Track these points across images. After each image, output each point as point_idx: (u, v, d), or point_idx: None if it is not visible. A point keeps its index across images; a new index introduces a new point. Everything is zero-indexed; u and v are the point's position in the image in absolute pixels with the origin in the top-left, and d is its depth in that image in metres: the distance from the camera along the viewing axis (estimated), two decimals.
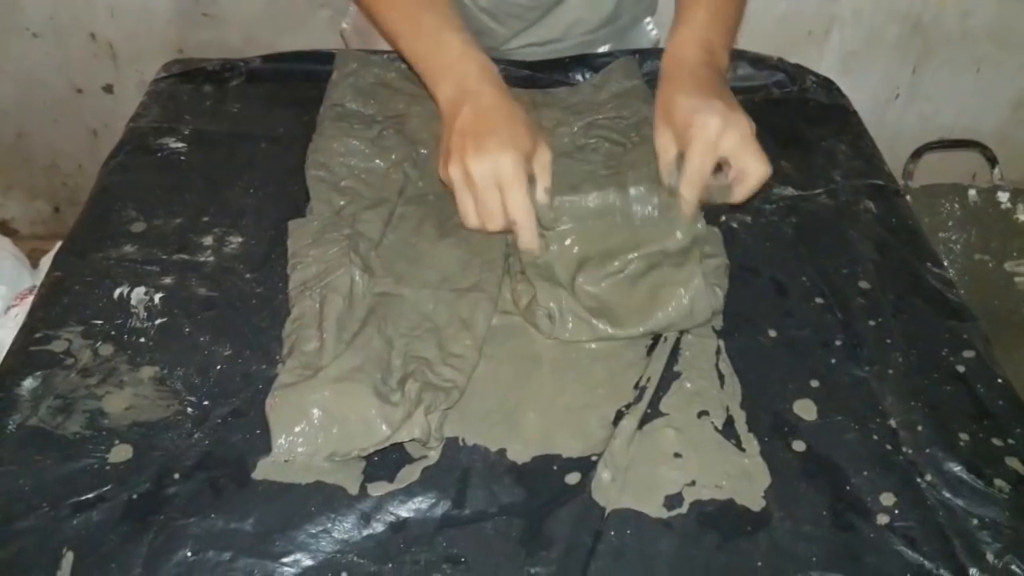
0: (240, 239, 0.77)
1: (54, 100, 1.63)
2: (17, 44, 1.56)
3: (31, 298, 1.16)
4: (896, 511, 0.59)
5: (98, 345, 0.66)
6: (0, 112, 1.64)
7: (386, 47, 0.90)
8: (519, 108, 0.74)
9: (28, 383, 0.63)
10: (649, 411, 0.64)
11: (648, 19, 1.09)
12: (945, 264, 0.84)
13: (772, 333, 0.71)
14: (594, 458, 0.61)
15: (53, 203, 1.80)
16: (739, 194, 0.73)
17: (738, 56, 0.99)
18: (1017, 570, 0.55)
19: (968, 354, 0.70)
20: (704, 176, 0.71)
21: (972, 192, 1.15)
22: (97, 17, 1.53)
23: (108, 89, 1.63)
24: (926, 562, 0.56)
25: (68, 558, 0.54)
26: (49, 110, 1.65)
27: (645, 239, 0.73)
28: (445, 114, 0.75)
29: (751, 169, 0.71)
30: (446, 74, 0.76)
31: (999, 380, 0.68)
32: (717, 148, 0.71)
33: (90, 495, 0.57)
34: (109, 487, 0.58)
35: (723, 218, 0.81)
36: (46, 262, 1.16)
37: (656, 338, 0.70)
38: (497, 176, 0.69)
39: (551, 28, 1.00)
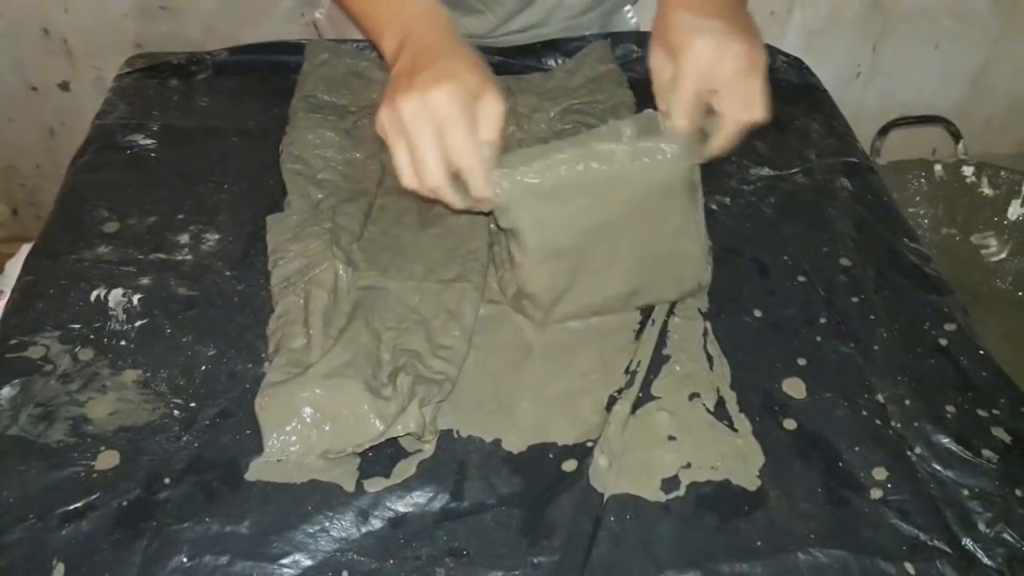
0: (217, 236, 0.75)
1: (8, 99, 1.59)
2: None
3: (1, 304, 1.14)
4: (888, 485, 0.59)
5: (77, 350, 0.65)
6: None
7: (360, 36, 0.89)
8: (466, 47, 0.65)
9: (6, 392, 0.62)
10: (641, 395, 0.64)
11: (628, 7, 1.08)
12: None
13: (757, 313, 0.71)
14: (589, 444, 0.61)
15: (11, 205, 1.76)
16: (715, 142, 0.65)
17: None
18: (1009, 538, 0.56)
19: (949, 327, 0.71)
20: (692, 107, 0.63)
21: (938, 167, 1.17)
22: (49, 12, 1.49)
23: (64, 86, 1.59)
24: (920, 534, 0.57)
25: (59, 570, 0.52)
26: (3, 109, 1.60)
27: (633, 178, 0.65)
28: (389, 67, 0.67)
29: (730, 110, 0.63)
30: (390, 24, 0.68)
31: (981, 352, 0.69)
32: (710, 79, 0.62)
33: (78, 504, 0.56)
34: (98, 495, 0.56)
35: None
36: (13, 266, 1.12)
37: (644, 322, 0.70)
38: (432, 113, 0.59)
39: (534, 12, 0.98)
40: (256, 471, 0.58)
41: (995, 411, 0.64)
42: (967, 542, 0.56)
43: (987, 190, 1.18)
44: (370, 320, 0.66)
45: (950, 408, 0.64)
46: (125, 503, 0.56)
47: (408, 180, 0.62)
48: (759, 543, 0.56)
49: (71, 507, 0.55)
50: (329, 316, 0.66)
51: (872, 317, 0.71)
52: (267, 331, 0.67)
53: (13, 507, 0.55)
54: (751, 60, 0.62)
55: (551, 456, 0.60)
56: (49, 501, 0.56)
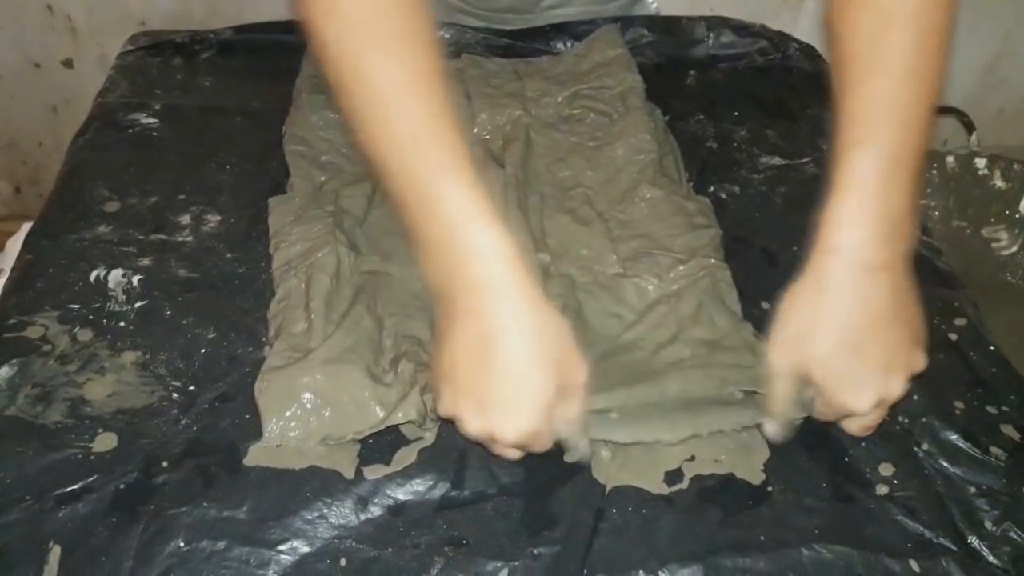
0: (219, 217, 0.74)
1: (11, 75, 1.58)
2: None
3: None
4: (895, 481, 0.59)
5: (76, 330, 0.64)
6: None
7: None
8: (551, 322, 0.53)
9: (4, 372, 0.61)
10: None
11: None
12: None
13: (765, 305, 0.70)
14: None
15: (13, 183, 1.75)
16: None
17: (720, 23, 0.98)
18: (1015, 536, 0.56)
19: (960, 322, 0.70)
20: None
21: (950, 159, 1.15)
22: None
23: (68, 64, 1.57)
24: (926, 531, 0.56)
25: (55, 552, 0.52)
26: (6, 86, 1.59)
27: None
28: (436, 308, 0.55)
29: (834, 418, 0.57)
30: (438, 241, 0.53)
31: (991, 347, 0.68)
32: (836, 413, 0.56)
33: (75, 486, 0.55)
34: (95, 477, 0.56)
35: (712, 188, 0.80)
36: (13, 244, 1.12)
37: None
38: (510, 444, 0.53)
39: None
40: (255, 456, 0.57)
41: (1004, 408, 0.63)
42: (973, 540, 0.56)
43: (999, 183, 1.16)
44: (372, 305, 0.65)
45: (959, 404, 0.64)
46: (122, 486, 0.55)
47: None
48: (762, 537, 0.55)
49: (68, 489, 0.55)
50: (331, 301, 0.65)
51: None
52: (268, 315, 0.66)
53: (10, 488, 0.55)
54: (897, 391, 0.54)
55: (553, 447, 0.60)
56: (46, 483, 0.55)
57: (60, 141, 1.66)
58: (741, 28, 0.98)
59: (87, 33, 1.53)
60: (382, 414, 0.58)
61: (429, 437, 0.59)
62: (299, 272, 0.67)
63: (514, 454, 0.55)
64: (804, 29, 1.54)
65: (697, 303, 0.68)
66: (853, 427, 0.58)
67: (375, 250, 0.71)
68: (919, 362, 0.55)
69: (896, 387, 0.54)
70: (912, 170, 0.54)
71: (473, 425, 0.52)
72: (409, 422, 0.58)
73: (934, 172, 1.14)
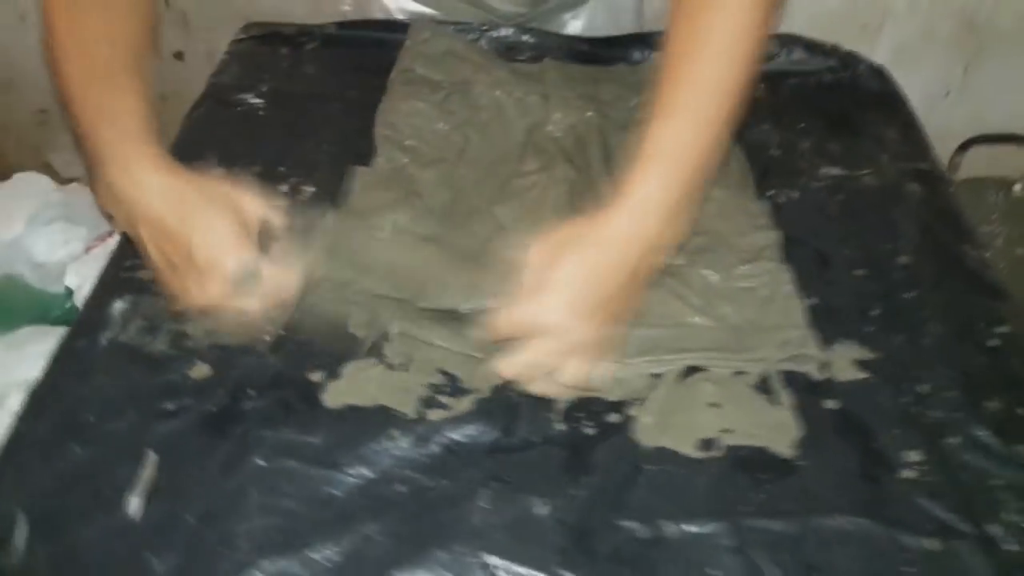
0: (313, 188, 0.82)
1: None
2: None
3: (110, 240, 1.25)
4: (921, 468, 0.62)
5: None
6: None
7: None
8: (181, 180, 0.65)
9: (118, 305, 0.69)
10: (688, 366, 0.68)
11: None
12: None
13: (813, 300, 0.74)
14: (635, 403, 0.65)
15: None
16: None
17: (793, 41, 1.02)
18: None
19: (1002, 329, 0.72)
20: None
21: (1017, 187, 1.16)
22: None
23: (179, 56, 1.69)
24: (948, 515, 0.59)
25: (152, 457, 0.59)
26: None
27: None
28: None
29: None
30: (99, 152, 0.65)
31: None
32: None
33: (172, 406, 0.63)
34: (190, 400, 0.63)
35: (771, 192, 0.84)
36: None
37: None
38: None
39: None
40: (332, 394, 0.64)
41: None
42: (992, 528, 0.58)
43: None
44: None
45: (993, 404, 0.66)
46: (214, 409, 0.62)
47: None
48: (788, 504, 0.59)
49: (166, 407, 0.63)
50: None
51: (925, 312, 0.73)
52: None
53: (117, 401, 0.63)
54: (573, 342, 0.61)
55: (597, 409, 0.65)
56: (148, 400, 0.63)
57: (168, 127, 1.77)
58: (812, 46, 1.02)
59: (198, 28, 1.64)
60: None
61: (485, 390, 0.65)
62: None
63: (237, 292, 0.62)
64: (881, 56, 1.56)
65: (760, 300, 0.72)
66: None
67: (441, 223, 0.77)
68: (608, 333, 0.62)
69: (576, 331, 0.60)
70: (690, 171, 0.62)
71: (179, 290, 0.63)
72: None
73: (1000, 198, 1.16)
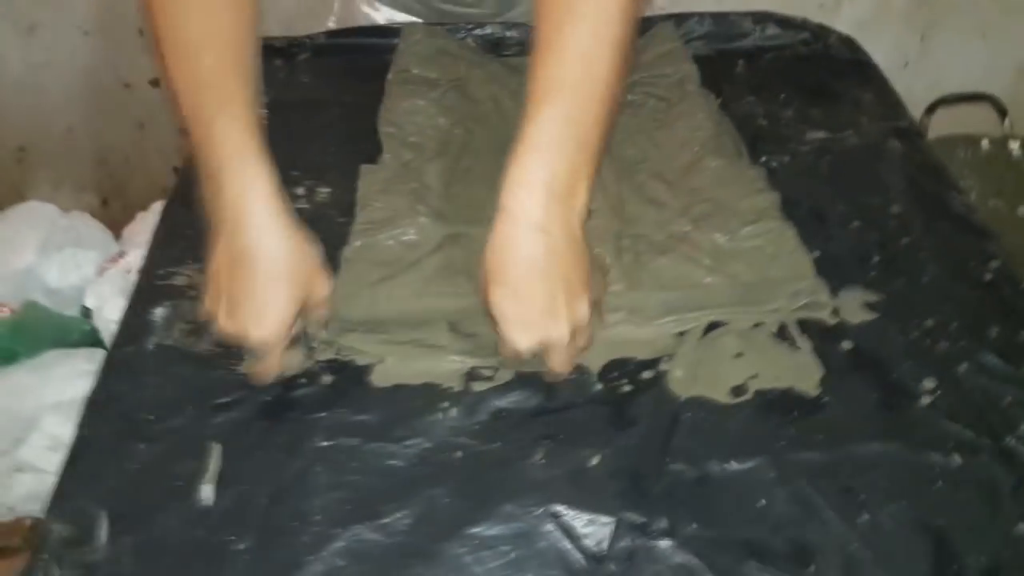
0: (329, 189, 0.85)
1: (103, 95, 1.71)
2: (68, 41, 1.64)
3: (121, 261, 1.26)
4: (938, 392, 0.66)
5: None
6: (51, 106, 1.72)
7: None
8: (296, 244, 0.65)
9: (160, 311, 0.72)
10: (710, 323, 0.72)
11: None
12: None
13: (816, 253, 0.78)
14: (664, 360, 0.69)
15: (100, 195, 1.88)
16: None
17: (766, 17, 1.07)
18: None
19: (993, 264, 0.77)
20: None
21: (984, 142, 1.22)
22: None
23: (155, 83, 1.71)
24: (967, 432, 0.63)
25: (216, 447, 0.62)
26: (99, 104, 1.72)
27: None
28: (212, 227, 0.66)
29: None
30: (211, 169, 0.65)
31: (1022, 285, 0.75)
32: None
33: (227, 399, 0.65)
34: (244, 392, 0.66)
35: (764, 159, 0.89)
36: (129, 231, 1.24)
37: None
38: (254, 343, 0.64)
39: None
40: (380, 375, 0.67)
41: None
42: (1009, 440, 0.63)
43: None
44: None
45: (994, 330, 0.71)
46: (269, 398, 0.65)
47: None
48: (819, 437, 0.63)
49: (221, 401, 0.65)
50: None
51: (921, 255, 0.78)
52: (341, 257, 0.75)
53: (173, 400, 0.65)
54: (552, 338, 0.62)
55: (631, 368, 0.68)
56: (204, 396, 0.65)
57: (145, 156, 1.79)
58: (785, 21, 1.07)
59: None
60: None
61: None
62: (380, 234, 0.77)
63: (262, 358, 0.64)
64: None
65: (768, 257, 0.76)
66: (552, 362, 0.64)
67: (457, 217, 0.80)
68: (581, 312, 0.62)
69: (559, 330, 0.61)
70: (583, 143, 0.62)
71: (225, 324, 0.63)
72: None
73: (969, 154, 1.22)
